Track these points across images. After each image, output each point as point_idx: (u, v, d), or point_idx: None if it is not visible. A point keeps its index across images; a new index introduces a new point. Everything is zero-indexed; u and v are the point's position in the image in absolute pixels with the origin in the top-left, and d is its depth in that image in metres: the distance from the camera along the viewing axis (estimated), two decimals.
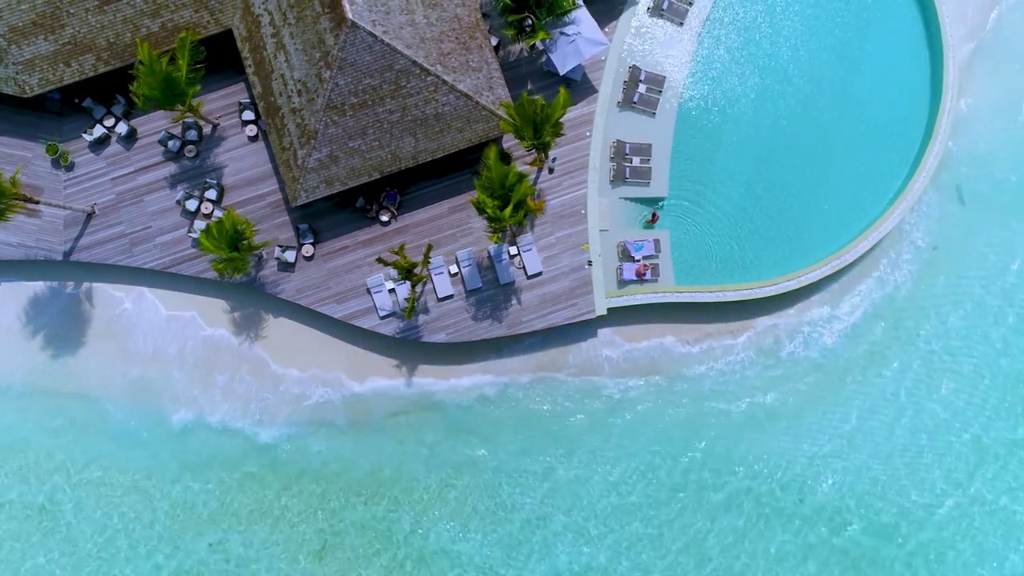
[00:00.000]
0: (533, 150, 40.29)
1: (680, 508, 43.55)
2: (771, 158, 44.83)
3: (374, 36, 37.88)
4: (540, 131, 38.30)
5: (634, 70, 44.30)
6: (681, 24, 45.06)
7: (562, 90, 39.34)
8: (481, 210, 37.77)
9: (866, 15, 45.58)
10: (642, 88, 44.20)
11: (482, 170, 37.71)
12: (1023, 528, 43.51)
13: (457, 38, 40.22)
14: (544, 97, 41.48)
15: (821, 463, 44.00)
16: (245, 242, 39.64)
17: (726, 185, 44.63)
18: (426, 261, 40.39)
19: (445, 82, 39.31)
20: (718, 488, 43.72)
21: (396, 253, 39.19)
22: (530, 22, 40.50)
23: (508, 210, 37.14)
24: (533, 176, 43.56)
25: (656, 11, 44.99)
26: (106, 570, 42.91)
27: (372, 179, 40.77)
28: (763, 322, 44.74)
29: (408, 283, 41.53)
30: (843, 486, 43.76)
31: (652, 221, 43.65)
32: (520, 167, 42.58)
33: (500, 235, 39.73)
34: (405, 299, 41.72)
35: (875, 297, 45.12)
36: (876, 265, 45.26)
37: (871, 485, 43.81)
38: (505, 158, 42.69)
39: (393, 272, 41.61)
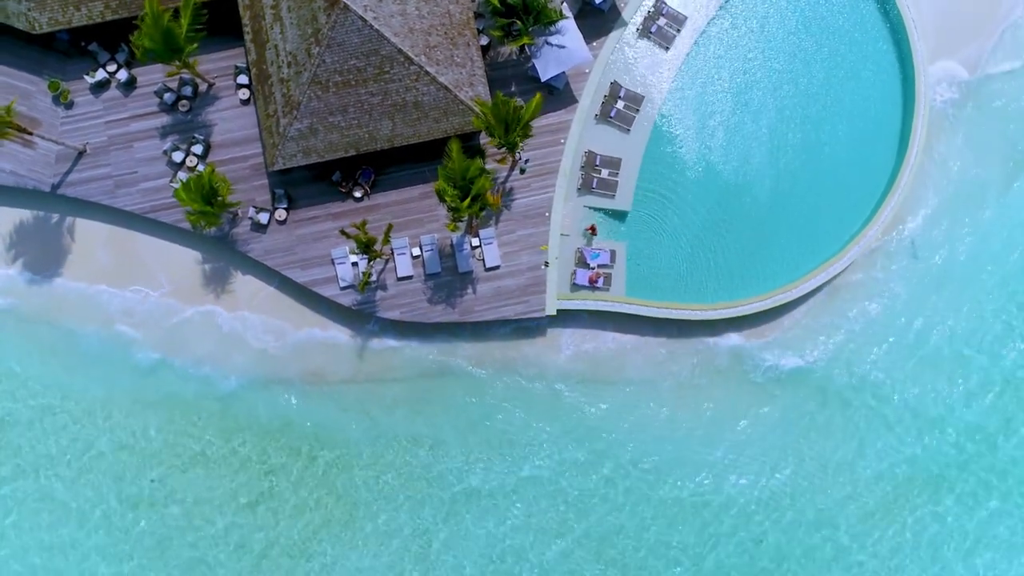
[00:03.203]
0: (503, 148, 42.04)
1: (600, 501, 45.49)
2: (735, 189, 46.56)
3: (364, 20, 39.89)
4: (510, 131, 40.15)
5: (615, 86, 46.08)
6: (667, 48, 46.79)
7: (537, 96, 41.27)
8: (442, 198, 39.66)
9: (845, 64, 47.26)
10: (620, 104, 45.97)
11: (446, 161, 39.60)
12: None
13: (446, 33, 42.13)
14: (525, 100, 43.41)
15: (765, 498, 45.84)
16: (219, 199, 41.69)
17: (688, 208, 46.37)
18: (386, 240, 42.34)
19: (427, 73, 41.25)
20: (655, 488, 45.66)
21: (357, 228, 41.10)
22: (517, 26, 42.31)
23: (466, 201, 39.00)
24: (504, 174, 45.41)
25: (644, 33, 46.75)
26: (49, 489, 44.98)
27: (348, 155, 42.75)
28: (707, 343, 46.23)
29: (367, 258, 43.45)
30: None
31: (591, 232, 45.36)
32: (490, 164, 44.44)
33: (459, 225, 41.55)
34: (362, 272, 43.65)
35: (819, 338, 46.56)
36: (824, 304, 46.69)
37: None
38: (479, 153, 44.60)
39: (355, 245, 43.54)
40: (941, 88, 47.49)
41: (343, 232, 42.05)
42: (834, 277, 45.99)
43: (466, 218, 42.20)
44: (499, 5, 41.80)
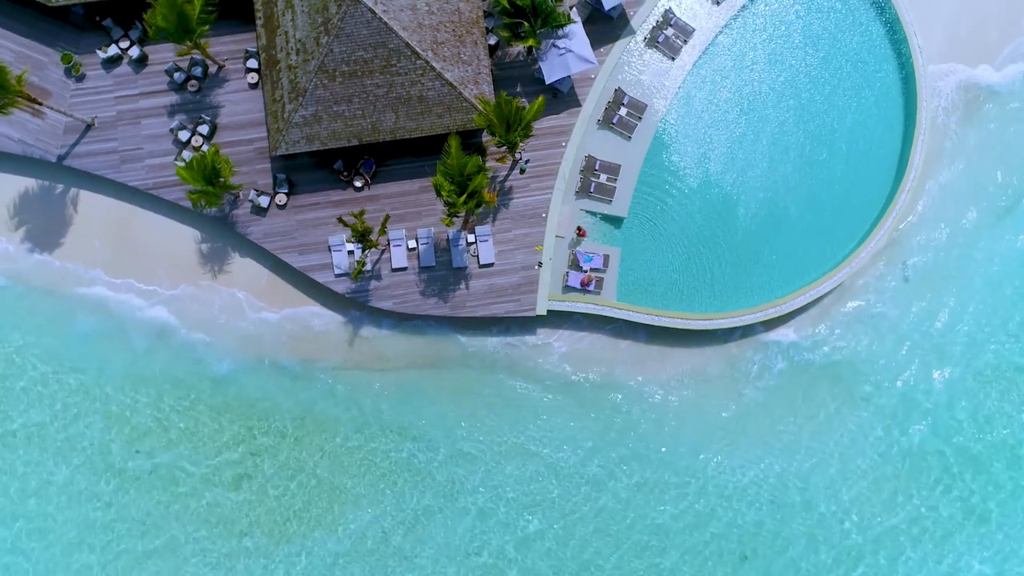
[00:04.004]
0: (503, 147, 42.53)
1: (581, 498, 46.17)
2: (733, 201, 47.02)
3: (373, 13, 40.47)
4: (511, 130, 40.65)
5: (619, 93, 46.53)
6: (673, 59, 47.22)
7: (540, 98, 41.79)
8: (439, 192, 40.19)
9: (849, 82, 47.72)
10: (623, 111, 46.43)
11: (444, 156, 40.13)
12: None
13: (454, 30, 42.65)
14: (529, 101, 43.92)
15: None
16: (221, 180, 42.29)
17: (684, 217, 46.84)
18: (382, 231, 42.87)
19: (433, 68, 41.80)
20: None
21: (355, 216, 41.64)
22: (524, 28, 42.79)
23: (463, 197, 39.53)
24: (504, 173, 45.91)
25: (652, 42, 47.18)
26: (35, 450, 45.68)
27: (351, 145, 43.29)
28: (697, 351, 46.74)
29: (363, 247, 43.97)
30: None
31: (579, 235, 45.81)
32: (491, 162, 44.98)
33: (454, 220, 42.04)
34: (357, 261, 44.20)
35: (807, 350, 47.02)
36: (813, 319, 47.15)
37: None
38: (480, 151, 45.11)
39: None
40: (944, 107, 48.13)
41: (340, 220, 42.59)
42: (826, 294, 46.42)
43: (462, 214, 42.68)
44: (508, 5, 42.31)
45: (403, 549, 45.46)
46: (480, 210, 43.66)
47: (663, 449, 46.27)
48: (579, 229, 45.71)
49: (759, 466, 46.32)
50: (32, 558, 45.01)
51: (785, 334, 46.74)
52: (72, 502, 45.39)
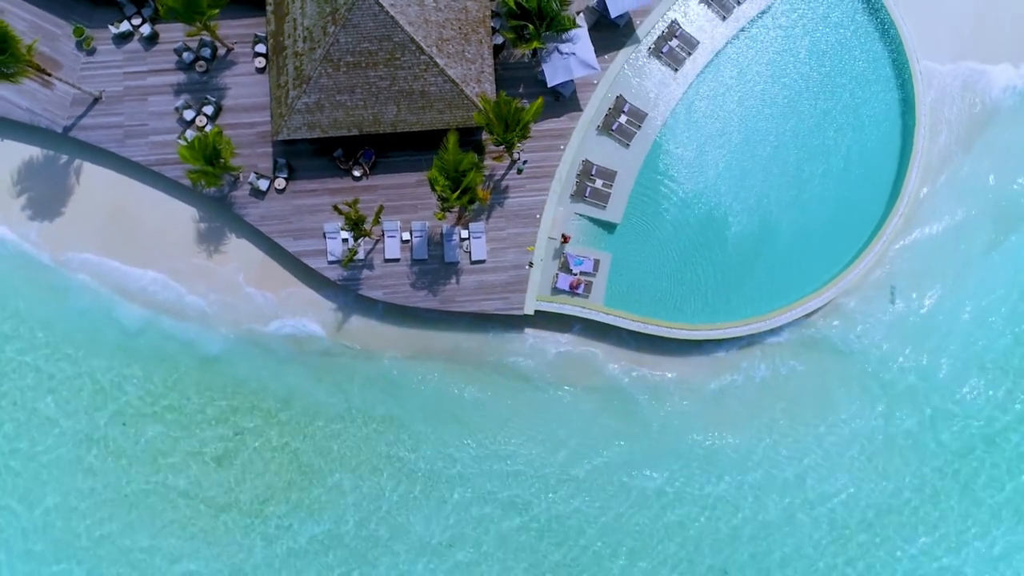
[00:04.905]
0: (502, 146, 43.01)
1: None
2: (725, 214, 47.43)
3: (381, 6, 41.01)
4: (508, 130, 41.14)
5: (620, 100, 46.97)
6: (676, 70, 47.63)
7: (539, 99, 42.26)
8: (433, 187, 40.70)
9: (850, 104, 48.14)
10: (623, 119, 46.87)
11: (441, 151, 40.64)
12: None
13: (460, 28, 43.16)
14: (530, 103, 44.39)
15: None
16: (221, 161, 42.88)
17: (676, 227, 47.30)
18: (376, 220, 43.39)
19: (436, 64, 42.31)
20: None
21: (349, 205, 42.18)
22: (529, 30, 43.26)
23: (456, 193, 40.02)
24: (501, 172, 46.39)
25: (656, 52, 47.61)
26: (27, 416, 46.47)
27: (351, 134, 43.84)
28: (676, 359, 47.16)
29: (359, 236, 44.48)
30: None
31: (564, 241, 46.24)
32: (489, 160, 45.49)
33: (447, 215, 42.51)
34: (348, 249, 44.73)
35: (792, 361, 47.44)
36: (800, 331, 47.50)
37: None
38: (479, 149, 45.62)
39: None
40: (945, 116, 48.62)
41: (335, 208, 43.13)
42: (813, 312, 46.81)
43: (456, 209, 43.18)
44: (514, 7, 42.78)
45: (378, 535, 45.98)
46: (474, 207, 44.15)
47: (648, 448, 46.63)
48: (564, 236, 46.04)
49: (744, 465, 46.78)
50: (18, 515, 45.91)
51: (772, 342, 47.05)
52: (56, 469, 46.06)
